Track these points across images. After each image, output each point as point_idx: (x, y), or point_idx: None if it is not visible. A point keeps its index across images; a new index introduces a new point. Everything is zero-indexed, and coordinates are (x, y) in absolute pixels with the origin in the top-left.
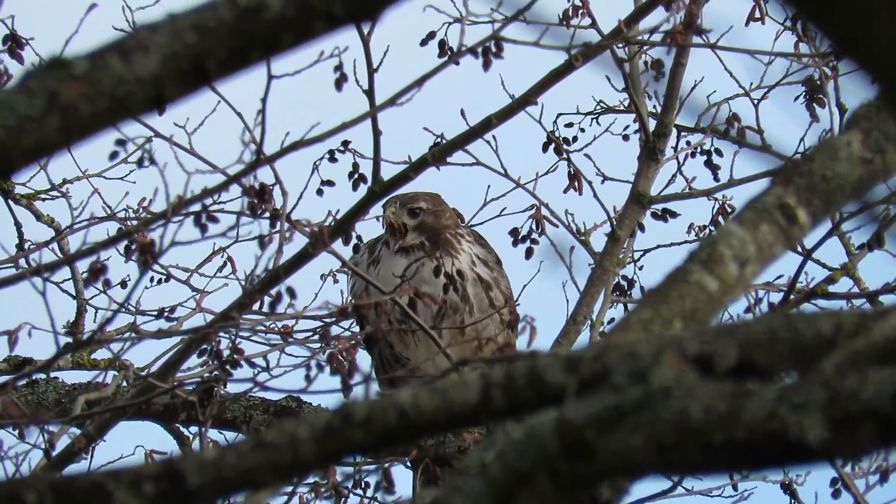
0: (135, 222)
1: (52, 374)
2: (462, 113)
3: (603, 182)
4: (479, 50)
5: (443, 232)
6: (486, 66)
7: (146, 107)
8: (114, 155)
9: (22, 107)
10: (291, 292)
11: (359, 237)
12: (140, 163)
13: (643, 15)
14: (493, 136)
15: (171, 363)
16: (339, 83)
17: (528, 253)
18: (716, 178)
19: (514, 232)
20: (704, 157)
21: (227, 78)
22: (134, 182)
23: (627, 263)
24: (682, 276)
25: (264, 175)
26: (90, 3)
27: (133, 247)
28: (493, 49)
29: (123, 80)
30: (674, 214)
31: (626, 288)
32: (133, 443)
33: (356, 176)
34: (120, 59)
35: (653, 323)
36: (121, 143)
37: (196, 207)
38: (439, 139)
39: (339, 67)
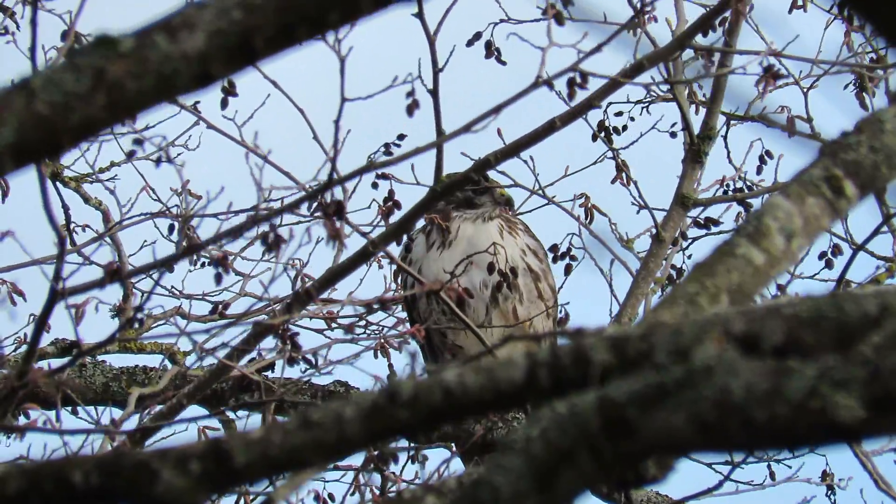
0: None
1: (100, 358)
2: (499, 132)
3: (644, 184)
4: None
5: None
6: (571, 97)
7: (193, 85)
8: (131, 154)
9: (69, 84)
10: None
11: (409, 237)
12: (158, 161)
13: (702, 28)
14: (531, 157)
15: (239, 351)
16: (411, 109)
17: (567, 270)
18: (763, 162)
19: (553, 248)
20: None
21: (274, 56)
22: (189, 180)
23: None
24: (728, 249)
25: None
26: None
27: (184, 242)
28: (579, 80)
29: (170, 57)
30: (716, 223)
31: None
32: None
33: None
34: (166, 37)
35: (699, 297)
36: (138, 142)
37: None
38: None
39: (410, 94)
